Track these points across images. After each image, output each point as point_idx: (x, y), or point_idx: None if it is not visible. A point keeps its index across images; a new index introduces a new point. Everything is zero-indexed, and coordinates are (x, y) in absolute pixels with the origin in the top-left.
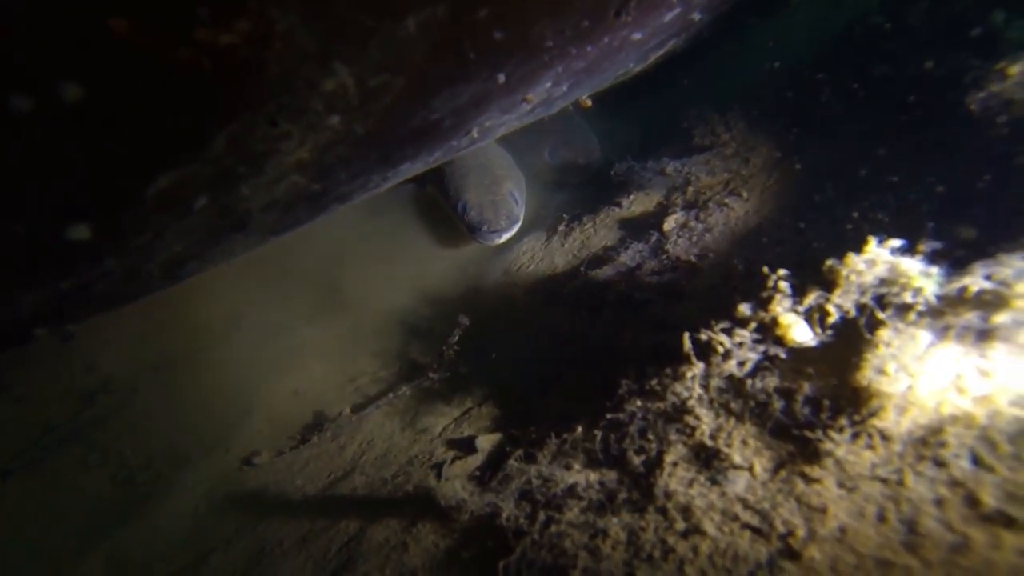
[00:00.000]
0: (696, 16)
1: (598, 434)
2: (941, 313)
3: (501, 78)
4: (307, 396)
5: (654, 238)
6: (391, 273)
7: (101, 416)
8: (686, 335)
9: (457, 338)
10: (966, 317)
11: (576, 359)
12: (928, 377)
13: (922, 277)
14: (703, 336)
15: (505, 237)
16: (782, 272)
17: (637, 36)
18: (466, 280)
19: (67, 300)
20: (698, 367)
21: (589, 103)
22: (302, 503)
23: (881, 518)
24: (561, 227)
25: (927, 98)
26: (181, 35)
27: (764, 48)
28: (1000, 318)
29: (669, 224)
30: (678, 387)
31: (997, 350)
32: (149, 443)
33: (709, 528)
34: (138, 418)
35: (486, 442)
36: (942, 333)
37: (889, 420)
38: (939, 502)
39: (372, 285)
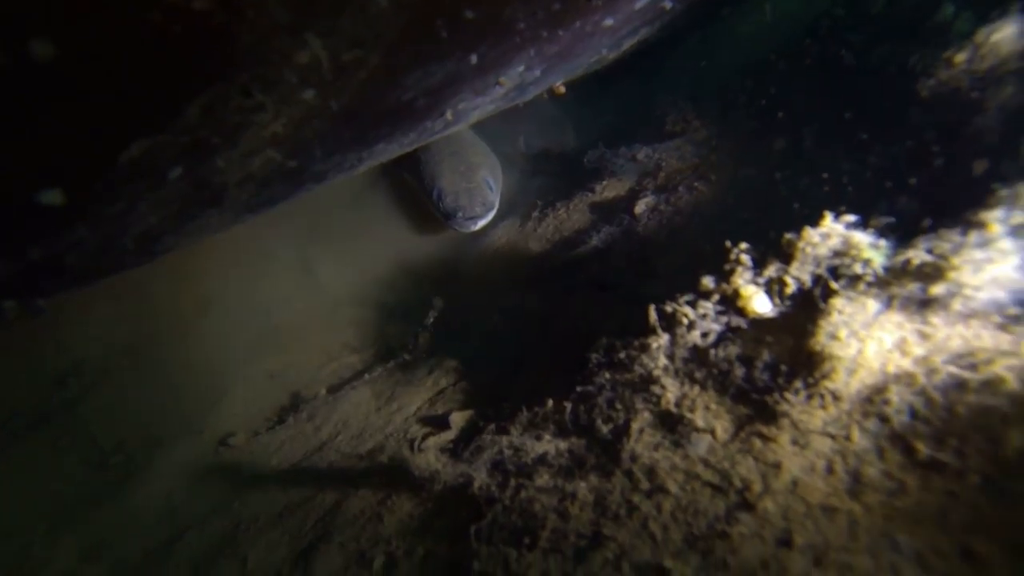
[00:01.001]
0: (667, 4)
1: (568, 406)
2: (888, 283)
3: (474, 59)
4: (283, 378)
5: (625, 221)
6: (367, 258)
7: (72, 399)
8: (651, 307)
9: (432, 320)
10: (909, 287)
11: (548, 338)
12: (876, 341)
13: (871, 250)
14: (668, 308)
15: (480, 224)
16: (743, 246)
17: (609, 22)
18: (443, 265)
19: (38, 271)
20: (663, 338)
21: (563, 90)
22: (278, 481)
23: (829, 470)
24: (535, 213)
25: (884, 85)
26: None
27: (740, 38)
28: (937, 289)
29: (640, 207)
30: (645, 358)
31: (936, 316)
32: (121, 426)
33: (672, 487)
34: (110, 401)
35: (460, 418)
36: (888, 302)
37: (840, 381)
38: (880, 452)
39: (348, 269)
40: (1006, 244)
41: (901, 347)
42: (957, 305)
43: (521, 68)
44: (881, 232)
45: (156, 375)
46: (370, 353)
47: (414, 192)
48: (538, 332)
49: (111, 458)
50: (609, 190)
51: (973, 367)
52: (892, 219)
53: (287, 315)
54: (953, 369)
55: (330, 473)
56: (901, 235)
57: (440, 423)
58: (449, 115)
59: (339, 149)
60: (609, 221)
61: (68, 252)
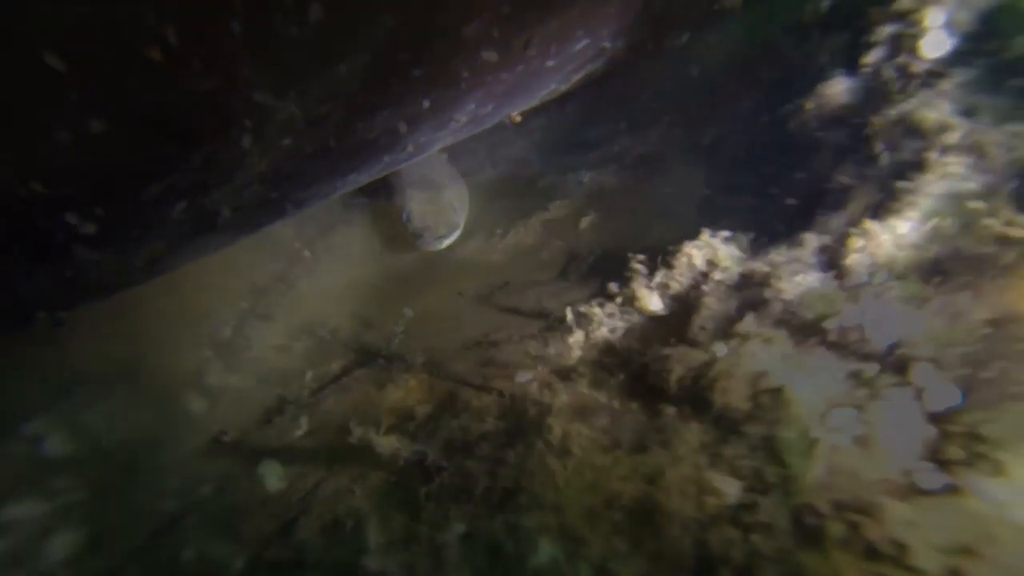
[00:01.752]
0: (607, 44)
1: (507, 394)
2: (743, 287)
3: (426, 103)
4: (270, 383)
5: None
6: (345, 274)
7: (78, 406)
8: (568, 308)
9: (403, 328)
10: (753, 290)
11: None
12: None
13: (731, 260)
14: (581, 309)
15: (445, 243)
16: (640, 256)
17: (551, 63)
18: (414, 280)
19: (68, 286)
20: (578, 334)
21: (519, 119)
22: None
23: None
24: (498, 231)
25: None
26: (176, 81)
27: (691, 63)
28: (767, 292)
29: (583, 224)
30: (565, 351)
31: (767, 312)
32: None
33: (576, 451)
34: (112, 407)
35: (422, 408)
36: (741, 300)
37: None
38: None
39: (327, 285)
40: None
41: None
42: (776, 308)
43: (473, 106)
44: (746, 246)
45: (154, 381)
46: (348, 360)
47: (387, 213)
48: (495, 334)
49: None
50: (560, 209)
51: None
52: (752, 234)
53: (271, 327)
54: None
55: (312, 459)
56: (761, 249)
57: (406, 414)
58: (411, 148)
59: (316, 180)
60: (558, 237)
61: (92, 270)
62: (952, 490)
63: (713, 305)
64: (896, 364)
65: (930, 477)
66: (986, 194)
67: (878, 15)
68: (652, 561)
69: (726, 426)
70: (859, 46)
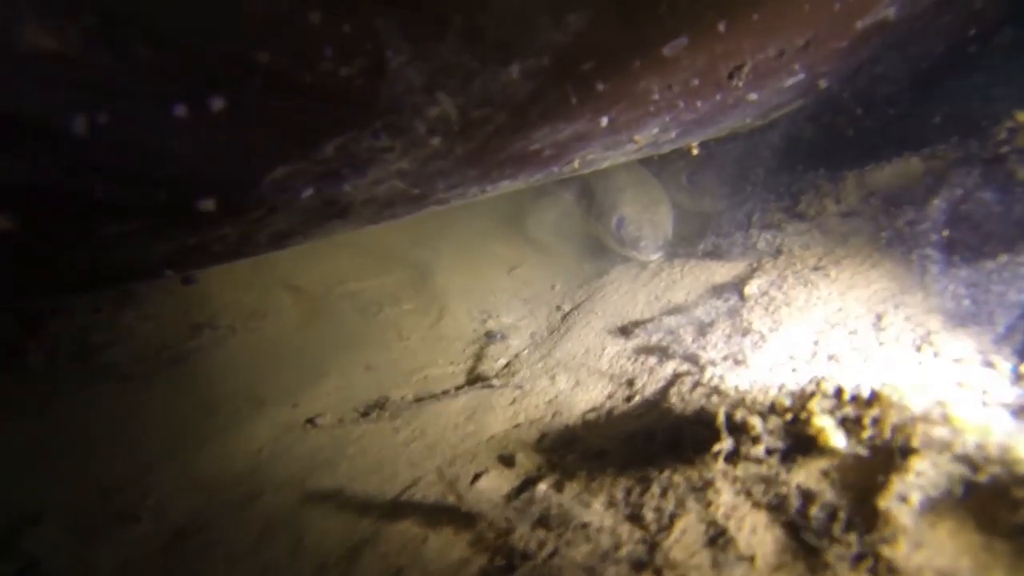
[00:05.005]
0: (824, 83)
1: (622, 481)
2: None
3: (604, 121)
4: (378, 372)
5: (733, 299)
6: (483, 275)
7: (203, 346)
8: (721, 409)
9: (526, 351)
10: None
11: (630, 398)
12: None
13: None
14: (738, 415)
15: (657, 256)
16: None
17: (753, 96)
18: (552, 296)
19: (191, 253)
20: (727, 442)
21: (696, 151)
22: (347, 473)
23: None
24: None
25: None
26: (309, 66)
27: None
28: None
29: (750, 288)
30: (707, 457)
31: None
32: (234, 380)
33: None
34: (231, 356)
35: (526, 460)
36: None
37: (900, 552)
38: None
39: (461, 281)
40: None
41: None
42: None
43: (656, 130)
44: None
45: (270, 344)
46: (463, 367)
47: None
48: (621, 389)
49: (223, 405)
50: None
51: None
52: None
53: (395, 312)
54: None
55: (394, 481)
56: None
57: (507, 460)
58: (577, 164)
59: (462, 183)
60: (717, 295)
61: (214, 242)
62: None
63: (925, 471)
64: None
65: None
66: None
67: None
68: None
69: None
70: None
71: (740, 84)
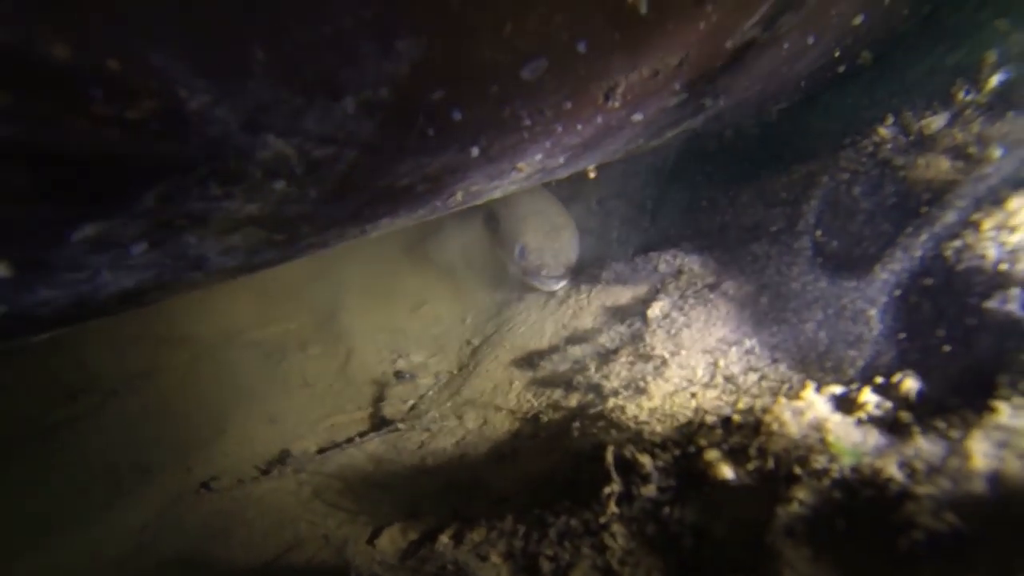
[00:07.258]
0: (707, 101)
1: (520, 529)
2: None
3: (475, 151)
4: (282, 424)
5: (636, 325)
6: (391, 311)
7: (78, 415)
8: (610, 448)
9: (433, 392)
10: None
11: (535, 435)
12: None
13: (843, 444)
14: (627, 453)
15: (560, 285)
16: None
17: (638, 117)
18: (463, 330)
19: (11, 322)
20: (618, 485)
21: (593, 175)
22: (243, 542)
23: None
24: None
25: None
26: (78, 111)
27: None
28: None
29: (653, 312)
30: (602, 499)
31: None
32: (117, 449)
33: None
34: (112, 420)
35: (430, 510)
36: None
37: None
38: None
39: (369, 319)
40: None
41: None
42: None
43: (539, 156)
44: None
45: (161, 403)
46: (368, 413)
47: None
48: (527, 427)
49: (97, 482)
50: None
51: None
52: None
53: (300, 360)
54: None
55: (291, 541)
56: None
57: (410, 512)
58: (460, 196)
59: (333, 225)
60: (621, 320)
61: (39, 308)
62: None
63: (808, 500)
64: None
65: None
66: None
67: None
68: None
69: None
70: None
71: (617, 105)
